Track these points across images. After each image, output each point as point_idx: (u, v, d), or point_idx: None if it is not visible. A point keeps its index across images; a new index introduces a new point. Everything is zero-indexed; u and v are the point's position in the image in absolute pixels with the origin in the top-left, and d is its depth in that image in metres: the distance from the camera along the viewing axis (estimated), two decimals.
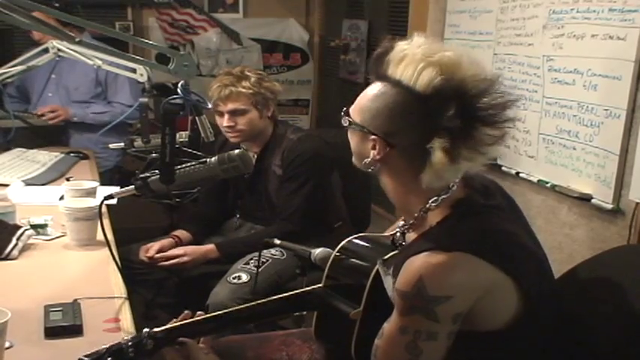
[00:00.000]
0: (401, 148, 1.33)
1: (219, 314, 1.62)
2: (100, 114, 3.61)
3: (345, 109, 1.42)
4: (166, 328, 1.47)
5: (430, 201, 1.36)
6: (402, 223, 1.47)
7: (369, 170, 1.39)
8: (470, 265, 1.26)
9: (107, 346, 1.36)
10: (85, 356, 1.32)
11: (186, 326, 1.51)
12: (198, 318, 1.55)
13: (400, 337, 1.29)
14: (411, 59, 1.30)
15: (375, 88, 1.36)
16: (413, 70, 1.29)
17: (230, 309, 1.66)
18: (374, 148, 1.35)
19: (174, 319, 1.52)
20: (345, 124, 1.41)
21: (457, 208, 1.34)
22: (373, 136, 1.35)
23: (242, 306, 1.68)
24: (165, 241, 2.66)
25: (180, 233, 2.74)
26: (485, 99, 1.27)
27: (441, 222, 1.33)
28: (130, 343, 1.37)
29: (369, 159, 1.37)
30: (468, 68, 1.29)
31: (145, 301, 2.72)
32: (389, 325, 1.32)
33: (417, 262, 1.26)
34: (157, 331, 1.44)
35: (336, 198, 2.86)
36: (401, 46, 1.34)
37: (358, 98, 1.40)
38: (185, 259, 2.57)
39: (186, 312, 1.56)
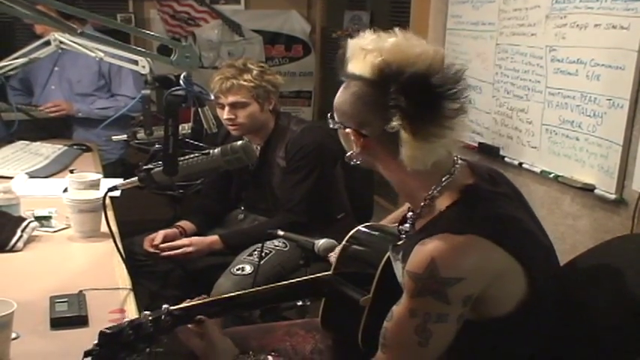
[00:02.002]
0: (374, 137, 1.37)
1: (233, 295, 1.63)
2: (105, 109, 3.61)
3: (330, 113, 1.48)
4: (184, 307, 1.49)
5: (433, 187, 1.37)
6: (410, 213, 1.48)
7: (356, 163, 1.44)
8: (482, 249, 1.27)
9: (129, 319, 1.38)
10: (107, 329, 1.33)
11: (202, 306, 1.52)
12: (215, 298, 1.58)
13: (410, 320, 1.29)
14: (359, 52, 1.37)
15: (342, 87, 1.43)
16: (360, 60, 1.36)
17: (244, 291, 1.67)
18: (354, 141, 1.40)
19: (189, 300, 1.54)
20: (331, 126, 1.47)
21: (466, 194, 1.36)
22: (347, 130, 1.40)
23: (255, 289, 1.69)
24: (170, 231, 2.67)
25: (184, 224, 2.75)
26: (437, 75, 1.30)
27: (451, 206, 1.34)
28: (150, 318, 1.39)
29: (352, 152, 1.42)
30: (412, 49, 1.33)
31: (150, 292, 2.73)
32: (398, 308, 1.33)
33: (429, 245, 1.28)
34: (175, 309, 1.45)
35: (339, 189, 2.86)
36: (351, 43, 1.41)
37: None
38: (190, 249, 2.58)
39: (203, 296, 1.57)
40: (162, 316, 1.41)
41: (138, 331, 1.36)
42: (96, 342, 1.32)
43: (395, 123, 1.29)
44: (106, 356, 1.32)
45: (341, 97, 1.42)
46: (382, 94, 1.31)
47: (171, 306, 1.45)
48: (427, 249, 1.27)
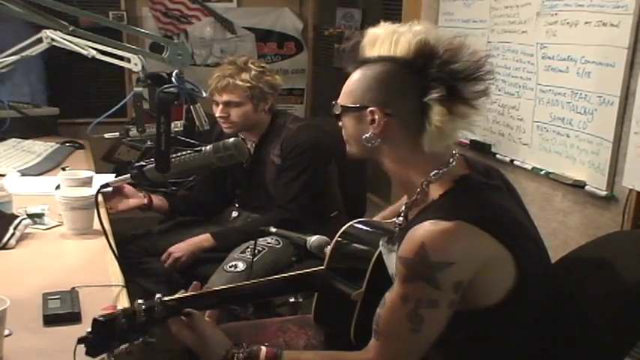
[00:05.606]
0: (398, 116, 1.39)
1: (226, 288, 1.64)
2: None
3: (334, 101, 1.49)
4: (177, 298, 1.49)
5: (431, 174, 1.40)
6: (403, 207, 1.51)
7: (370, 145, 1.43)
8: (471, 235, 1.30)
9: (122, 308, 1.39)
10: (101, 316, 1.34)
11: (194, 298, 1.53)
12: (208, 290, 1.59)
13: (402, 306, 1.32)
14: (384, 36, 1.41)
15: (357, 73, 1.45)
16: (389, 43, 1.40)
17: (237, 284, 1.68)
18: (372, 122, 1.41)
19: (183, 291, 1.54)
20: (337, 112, 1.48)
21: (459, 183, 1.39)
22: (371, 109, 1.40)
23: (249, 282, 1.70)
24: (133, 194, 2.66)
25: (155, 197, 2.75)
26: (461, 60, 1.36)
27: (444, 195, 1.38)
28: (143, 307, 1.39)
29: (369, 134, 1.42)
30: (439, 34, 1.39)
31: (143, 289, 2.73)
32: (390, 294, 1.35)
33: (420, 231, 1.30)
34: (168, 300, 1.45)
35: (333, 188, 2.86)
36: (371, 31, 1.44)
37: (344, 87, 1.48)
38: (177, 254, 2.59)
39: (195, 283, 1.58)
40: (155, 307, 1.42)
41: (131, 320, 1.37)
42: (89, 329, 1.32)
43: (434, 95, 1.32)
44: (99, 344, 1.33)
45: (360, 79, 1.44)
46: (419, 70, 1.35)
47: (164, 296, 1.45)
48: (418, 234, 1.30)
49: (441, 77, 1.33)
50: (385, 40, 1.41)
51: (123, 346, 1.37)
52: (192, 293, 1.53)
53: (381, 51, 1.41)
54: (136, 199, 2.66)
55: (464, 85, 1.35)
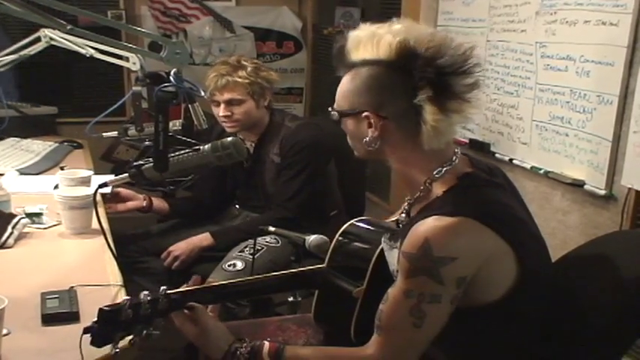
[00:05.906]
0: (393, 118, 1.39)
1: (228, 283, 1.65)
2: None
3: (330, 108, 1.49)
4: (181, 291, 1.49)
5: (434, 172, 1.41)
6: (406, 204, 1.52)
7: (371, 148, 1.43)
8: (474, 230, 1.30)
9: (128, 298, 1.39)
10: (106, 306, 1.35)
11: (198, 291, 1.53)
12: (211, 285, 1.59)
13: (404, 301, 1.32)
14: (366, 39, 1.40)
15: (347, 77, 1.45)
16: (371, 45, 1.39)
17: (239, 279, 1.69)
18: (370, 126, 1.41)
19: (186, 285, 1.54)
20: (335, 118, 1.47)
21: (463, 180, 1.39)
22: (365, 114, 1.40)
23: (251, 277, 1.71)
24: (129, 192, 2.66)
25: (155, 200, 2.75)
26: (446, 55, 1.35)
27: (447, 191, 1.38)
28: (148, 299, 1.40)
29: (368, 137, 1.42)
30: (419, 31, 1.38)
31: (142, 289, 2.73)
32: (393, 290, 1.36)
33: (423, 226, 1.31)
34: (172, 293, 1.45)
35: (333, 187, 2.86)
36: (352, 34, 1.44)
37: (337, 92, 1.48)
38: (176, 252, 2.59)
39: (195, 276, 1.58)
40: (160, 299, 1.42)
41: (136, 311, 1.37)
42: (95, 320, 1.33)
43: (422, 96, 1.32)
44: (104, 334, 1.33)
45: (350, 84, 1.43)
46: (405, 71, 1.34)
47: (168, 289, 1.46)
48: (421, 230, 1.31)
49: (426, 77, 1.32)
50: (367, 42, 1.40)
51: (127, 338, 1.38)
52: (197, 287, 1.54)
53: (365, 54, 1.40)
54: (134, 201, 2.66)
55: (453, 79, 1.34)
